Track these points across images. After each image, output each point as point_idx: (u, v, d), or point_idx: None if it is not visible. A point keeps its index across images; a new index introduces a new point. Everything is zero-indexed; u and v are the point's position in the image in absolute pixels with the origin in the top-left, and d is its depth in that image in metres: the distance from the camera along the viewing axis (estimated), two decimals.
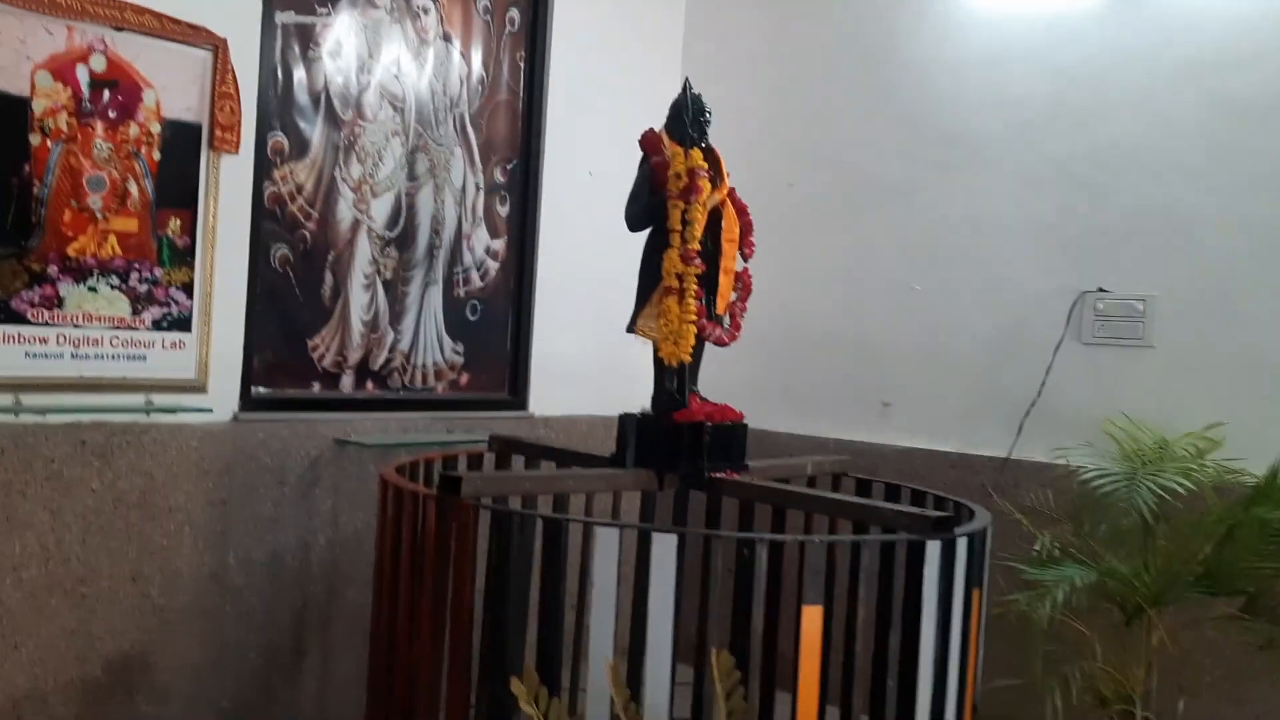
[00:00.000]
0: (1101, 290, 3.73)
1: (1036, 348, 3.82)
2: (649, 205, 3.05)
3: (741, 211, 3.17)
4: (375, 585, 2.86)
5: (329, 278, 3.59)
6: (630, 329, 3.09)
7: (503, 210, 4.13)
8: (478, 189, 4.04)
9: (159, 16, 3.05)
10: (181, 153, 3.15)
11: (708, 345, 3.11)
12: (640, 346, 3.10)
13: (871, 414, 4.22)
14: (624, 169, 3.14)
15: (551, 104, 4.19)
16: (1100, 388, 3.71)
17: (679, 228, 2.96)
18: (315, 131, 3.53)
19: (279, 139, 3.44)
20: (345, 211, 3.62)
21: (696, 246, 2.95)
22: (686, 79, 3.13)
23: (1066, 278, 3.79)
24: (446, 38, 3.89)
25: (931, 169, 4.11)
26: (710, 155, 3.09)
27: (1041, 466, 3.77)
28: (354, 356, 3.68)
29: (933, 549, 2.50)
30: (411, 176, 3.81)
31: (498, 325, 4.14)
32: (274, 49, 3.39)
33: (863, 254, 4.28)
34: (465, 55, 3.95)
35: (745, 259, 3.17)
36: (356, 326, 3.68)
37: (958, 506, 3.14)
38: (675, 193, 2.96)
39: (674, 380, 3.04)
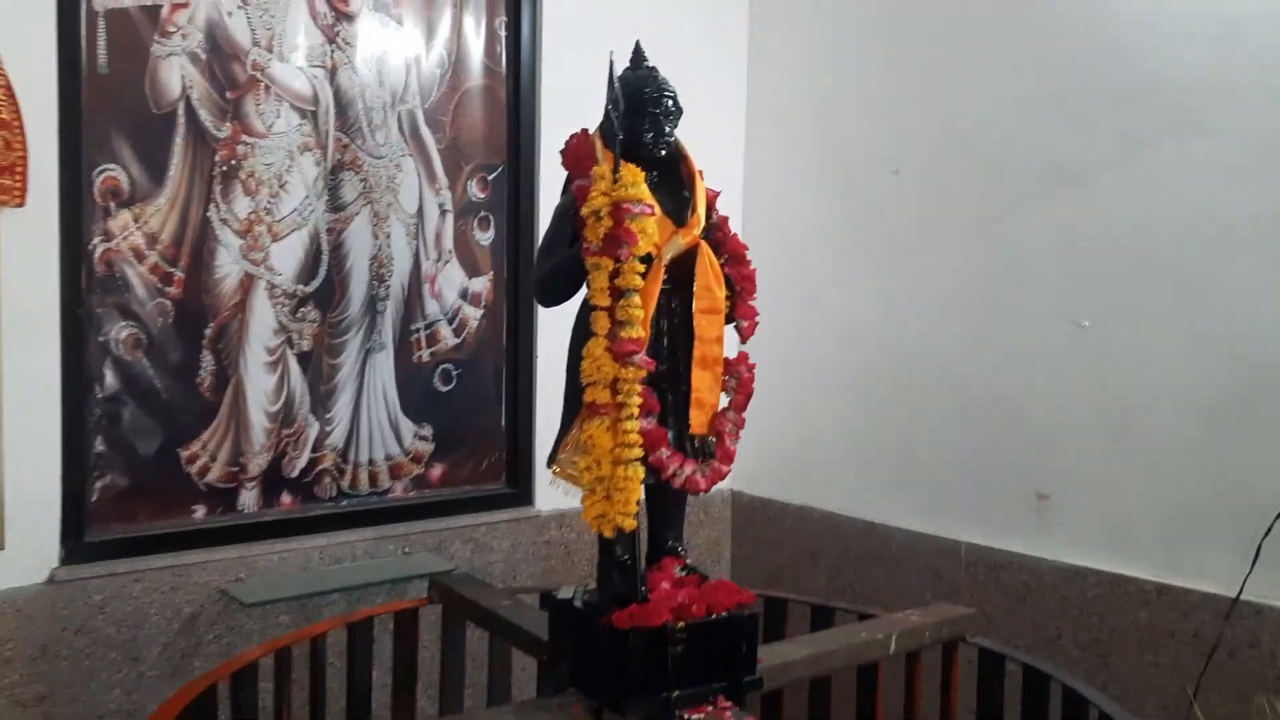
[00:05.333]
0: None
1: None
2: (565, 263, 1.85)
3: (737, 259, 1.91)
4: None
5: (208, 359, 2.58)
6: (550, 464, 1.90)
7: (484, 238, 3.01)
8: (442, 212, 2.92)
9: None
10: None
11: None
12: None
13: (1023, 510, 2.84)
14: None
15: (548, 84, 3.02)
16: None
17: (606, 302, 1.74)
18: (173, 158, 2.51)
19: (113, 174, 2.44)
20: (229, 265, 2.60)
21: (637, 334, 1.73)
22: (637, 43, 1.89)
23: None
24: (381, 6, 2.78)
25: (1115, 142, 2.64)
26: (676, 171, 1.86)
27: None
28: (257, 462, 2.67)
29: None
30: (335, 206, 2.74)
31: (485, 394, 3.04)
32: (89, 43, 2.38)
33: (1006, 273, 2.87)
34: (413, 27, 2.83)
35: (744, 337, 1.92)
36: (258, 421, 2.66)
37: None
38: (594, 245, 1.74)
39: (626, 549, 1.84)
